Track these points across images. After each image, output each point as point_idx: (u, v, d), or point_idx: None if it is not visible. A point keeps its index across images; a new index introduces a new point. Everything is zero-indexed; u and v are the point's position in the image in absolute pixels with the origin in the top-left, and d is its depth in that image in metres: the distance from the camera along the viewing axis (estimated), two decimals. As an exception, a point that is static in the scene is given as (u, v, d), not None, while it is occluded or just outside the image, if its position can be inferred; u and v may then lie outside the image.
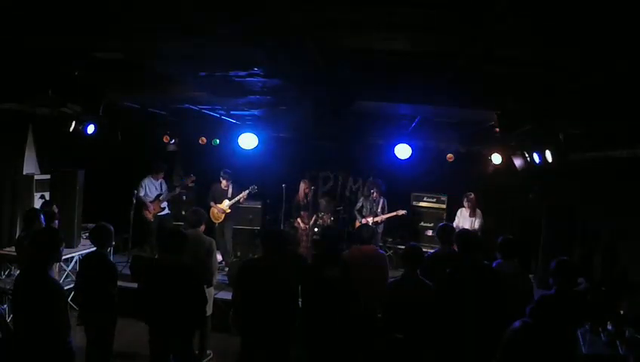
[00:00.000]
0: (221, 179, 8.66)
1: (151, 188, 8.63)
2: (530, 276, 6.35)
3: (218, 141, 9.69)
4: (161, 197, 8.65)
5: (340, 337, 4.28)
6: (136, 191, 8.40)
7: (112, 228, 4.84)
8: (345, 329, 4.24)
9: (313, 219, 8.78)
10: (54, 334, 3.68)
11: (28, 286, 3.73)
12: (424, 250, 4.74)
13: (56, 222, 6.36)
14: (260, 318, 4.29)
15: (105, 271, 4.63)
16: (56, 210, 6.39)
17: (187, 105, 7.36)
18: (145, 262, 7.24)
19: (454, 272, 4.56)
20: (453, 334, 4.37)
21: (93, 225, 5.02)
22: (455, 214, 8.82)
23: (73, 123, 6.59)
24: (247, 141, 8.50)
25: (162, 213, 8.74)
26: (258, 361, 4.39)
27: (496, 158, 8.68)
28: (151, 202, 8.56)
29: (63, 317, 3.74)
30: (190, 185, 9.52)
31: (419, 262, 4.46)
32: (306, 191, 8.74)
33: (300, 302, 4.53)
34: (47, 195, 7.74)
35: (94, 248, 4.89)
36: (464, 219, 8.52)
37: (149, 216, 8.57)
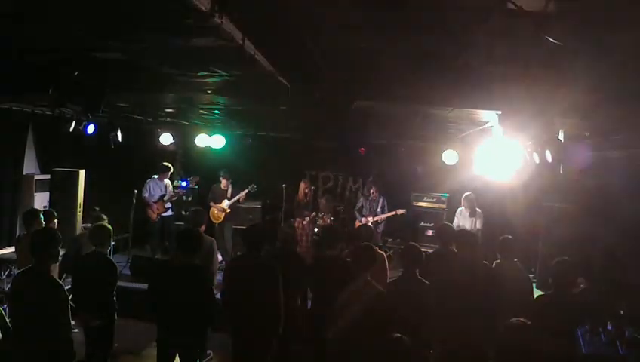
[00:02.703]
0: (221, 178, 8.68)
1: (155, 188, 8.65)
2: (531, 276, 6.35)
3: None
4: (164, 198, 8.66)
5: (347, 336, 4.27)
6: (136, 191, 8.42)
7: (111, 228, 4.85)
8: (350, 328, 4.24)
9: (313, 218, 8.77)
10: (55, 333, 3.67)
11: (28, 287, 3.72)
12: (424, 250, 4.74)
13: (55, 221, 6.41)
14: (246, 316, 4.30)
15: (105, 270, 4.63)
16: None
17: (186, 104, 7.36)
18: (151, 262, 7.24)
19: (453, 272, 4.56)
20: (452, 334, 4.37)
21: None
22: (455, 214, 8.81)
23: (73, 123, 6.59)
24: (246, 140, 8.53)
25: (166, 213, 8.75)
26: (246, 358, 4.39)
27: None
28: (154, 202, 8.58)
29: (64, 317, 3.74)
30: (194, 186, 9.53)
31: (418, 262, 4.46)
32: (306, 191, 8.74)
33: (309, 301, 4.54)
34: (46, 200, 7.75)
35: (94, 248, 4.88)
36: (464, 219, 8.49)
37: (154, 217, 8.60)
